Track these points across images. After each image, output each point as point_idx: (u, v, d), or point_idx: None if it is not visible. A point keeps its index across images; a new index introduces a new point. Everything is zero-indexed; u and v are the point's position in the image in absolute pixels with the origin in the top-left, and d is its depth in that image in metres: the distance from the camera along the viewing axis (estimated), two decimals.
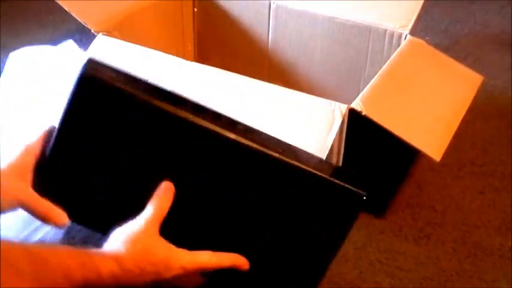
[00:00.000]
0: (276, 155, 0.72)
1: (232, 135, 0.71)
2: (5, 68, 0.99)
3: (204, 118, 0.72)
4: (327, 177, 0.73)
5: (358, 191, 0.73)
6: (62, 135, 0.73)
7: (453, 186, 1.12)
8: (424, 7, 1.62)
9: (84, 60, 0.70)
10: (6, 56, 1.37)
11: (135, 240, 0.63)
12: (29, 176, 0.68)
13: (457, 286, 0.93)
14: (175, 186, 0.71)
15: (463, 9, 1.69)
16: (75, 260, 0.58)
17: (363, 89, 0.90)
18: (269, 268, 0.77)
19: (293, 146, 0.76)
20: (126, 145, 0.73)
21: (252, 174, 0.73)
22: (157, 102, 0.70)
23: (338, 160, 0.89)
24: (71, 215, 0.73)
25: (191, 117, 0.72)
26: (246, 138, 0.72)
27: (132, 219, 0.67)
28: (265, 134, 0.76)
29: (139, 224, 0.65)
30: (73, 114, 0.72)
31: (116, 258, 0.61)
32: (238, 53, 1.27)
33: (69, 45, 0.99)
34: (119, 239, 0.63)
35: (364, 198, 0.72)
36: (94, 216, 0.76)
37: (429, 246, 0.99)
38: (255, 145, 0.72)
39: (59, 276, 0.56)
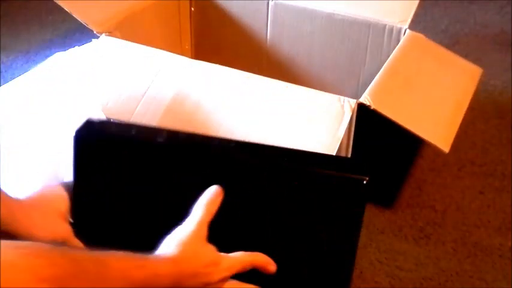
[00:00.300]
0: (280, 161, 0.75)
1: (230, 154, 0.77)
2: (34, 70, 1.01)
3: (192, 140, 0.79)
4: (325, 171, 0.75)
5: (359, 177, 0.74)
6: (78, 186, 0.79)
7: (453, 186, 1.12)
8: (424, 7, 1.62)
9: (83, 121, 0.76)
10: (6, 56, 1.37)
11: (188, 243, 0.65)
12: (68, 216, 0.72)
13: (457, 286, 0.93)
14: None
15: (463, 9, 1.69)
16: (134, 263, 0.59)
17: (362, 84, 0.91)
18: (298, 272, 0.80)
19: (294, 149, 0.79)
20: (138, 183, 0.79)
21: (253, 183, 0.77)
22: (158, 140, 0.77)
23: (347, 153, 0.91)
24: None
25: (183, 141, 0.79)
26: (242, 152, 0.77)
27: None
28: (260, 144, 0.79)
29: (190, 228, 0.66)
30: (82, 168, 0.78)
31: (172, 260, 0.62)
32: (236, 51, 1.27)
33: (102, 42, 0.99)
34: (172, 243, 0.65)
35: (365, 182, 0.73)
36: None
37: (429, 246, 0.99)
38: (250, 158, 0.76)
39: (119, 278, 0.57)
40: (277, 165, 0.76)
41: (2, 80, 1.31)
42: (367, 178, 0.74)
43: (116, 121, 0.84)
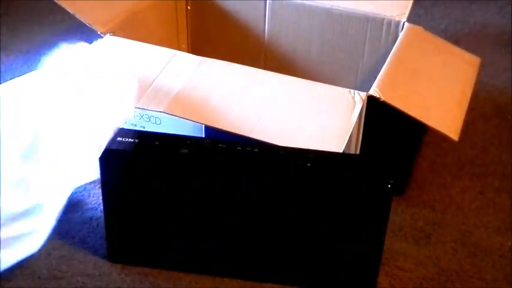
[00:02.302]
0: (305, 165, 0.78)
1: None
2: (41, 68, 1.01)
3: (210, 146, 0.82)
4: (349, 173, 0.79)
5: (384, 180, 0.78)
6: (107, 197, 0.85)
7: (453, 186, 1.12)
8: (424, 7, 1.62)
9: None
10: (6, 56, 1.37)
11: None
12: None
13: (457, 286, 0.93)
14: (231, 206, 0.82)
15: (463, 9, 1.69)
16: None
17: (360, 78, 0.92)
18: (329, 263, 0.86)
19: (317, 151, 0.81)
20: (164, 192, 0.82)
21: (280, 187, 0.80)
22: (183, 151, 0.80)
23: (357, 144, 0.93)
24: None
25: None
26: (267, 158, 0.79)
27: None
28: (282, 147, 0.81)
29: None
30: (108, 180, 0.82)
31: None
32: (233, 49, 1.27)
33: (101, 43, 0.99)
34: None
35: (389, 186, 0.78)
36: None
37: (429, 246, 0.99)
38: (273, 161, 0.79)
39: None
40: (302, 168, 0.77)
41: (2, 80, 1.31)
42: (391, 181, 0.77)
43: (137, 130, 0.87)
